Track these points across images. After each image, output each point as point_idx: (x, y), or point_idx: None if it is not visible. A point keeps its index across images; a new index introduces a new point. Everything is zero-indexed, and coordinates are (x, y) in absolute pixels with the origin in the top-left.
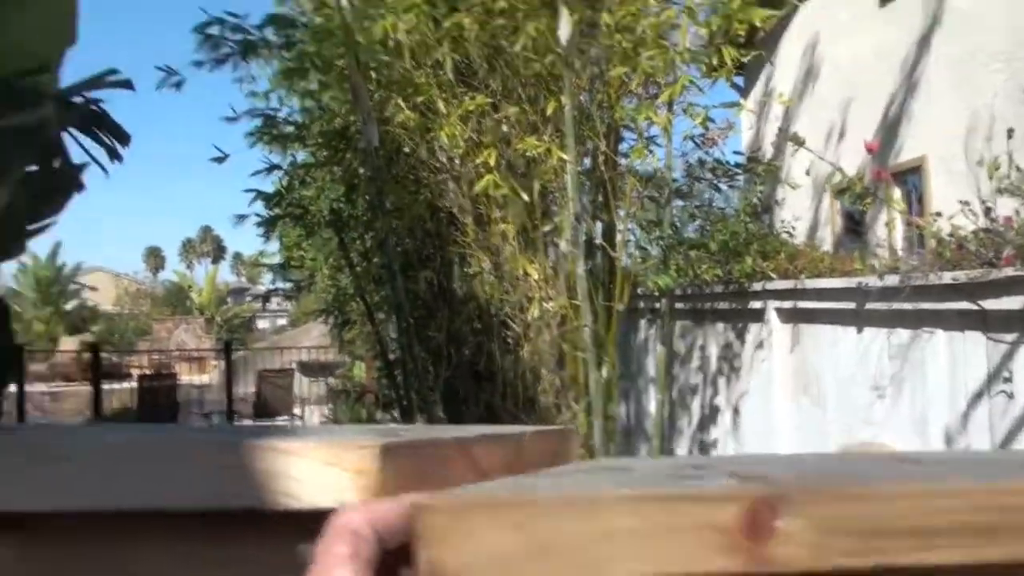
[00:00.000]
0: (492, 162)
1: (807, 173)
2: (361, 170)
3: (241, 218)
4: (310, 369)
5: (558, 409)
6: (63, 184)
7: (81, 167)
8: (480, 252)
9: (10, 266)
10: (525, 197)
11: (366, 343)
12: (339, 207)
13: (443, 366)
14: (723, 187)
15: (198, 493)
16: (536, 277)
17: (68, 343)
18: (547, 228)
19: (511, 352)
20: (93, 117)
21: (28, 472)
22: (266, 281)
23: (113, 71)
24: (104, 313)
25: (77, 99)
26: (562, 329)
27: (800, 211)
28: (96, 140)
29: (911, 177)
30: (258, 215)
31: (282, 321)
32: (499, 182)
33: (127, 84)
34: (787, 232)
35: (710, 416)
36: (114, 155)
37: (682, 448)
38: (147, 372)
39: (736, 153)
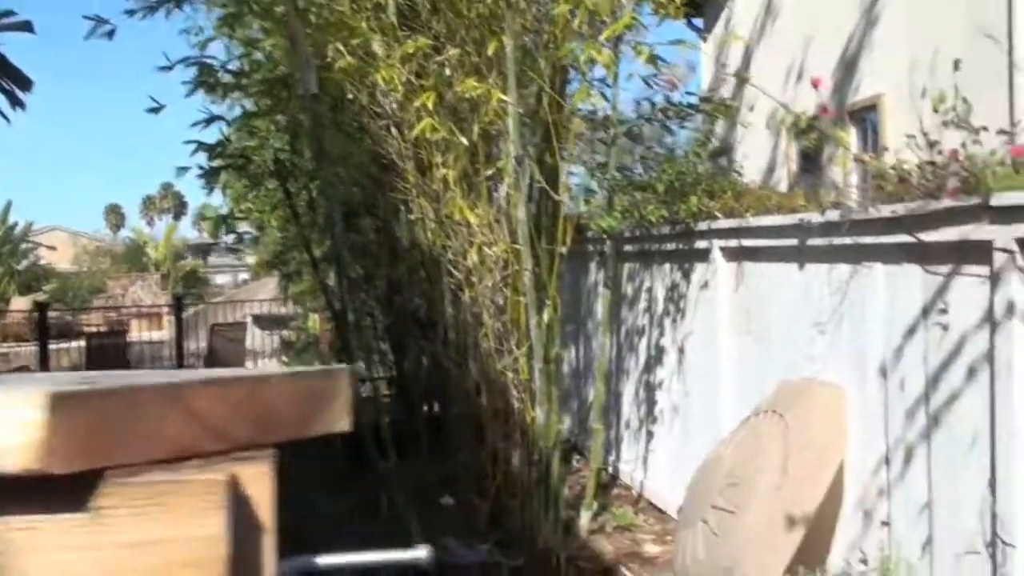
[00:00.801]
0: (430, 105)
1: (751, 109)
2: (302, 118)
3: (183, 170)
4: (265, 322)
5: (500, 354)
6: None
7: None
8: (422, 199)
9: None
10: (464, 140)
11: (314, 294)
12: (283, 157)
13: (386, 315)
14: (675, 128)
15: None
16: (475, 222)
17: (20, 303)
18: (489, 172)
19: (454, 299)
20: None
21: None
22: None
23: (8, 12)
24: (59, 272)
25: None
26: (504, 274)
27: (758, 155)
28: None
29: (869, 115)
30: (200, 167)
31: (244, 275)
32: (437, 125)
33: (26, 26)
34: (736, 172)
35: (656, 357)
36: (15, 102)
37: (629, 389)
38: (96, 330)
39: (689, 94)
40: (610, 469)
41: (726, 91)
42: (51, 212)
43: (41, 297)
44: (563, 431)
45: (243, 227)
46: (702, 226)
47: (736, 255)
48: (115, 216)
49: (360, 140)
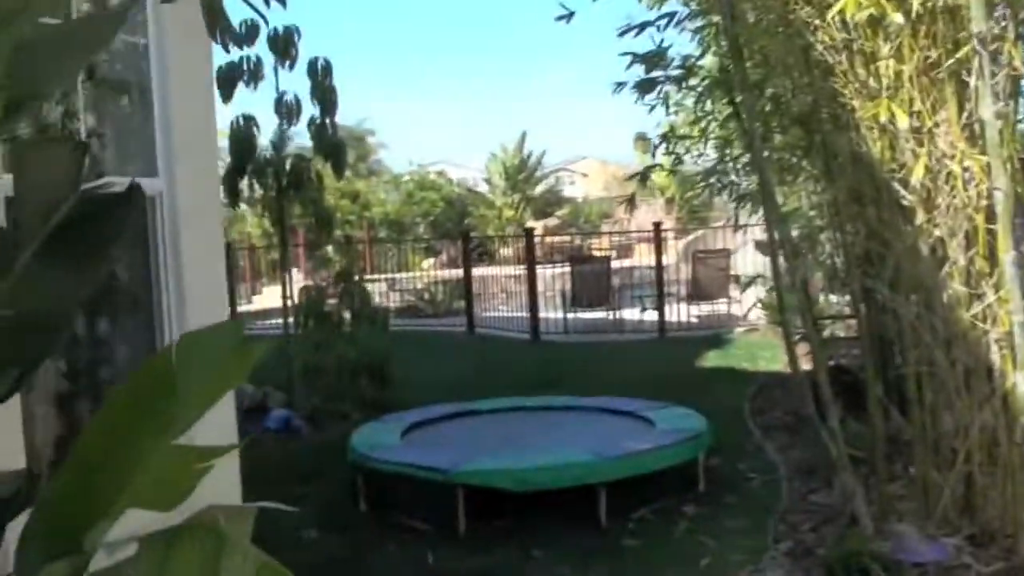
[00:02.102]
0: None
1: None
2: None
3: (620, 85)
4: (765, 247)
5: (971, 299)
6: None
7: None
8: (860, 100)
9: (483, 156)
10: (898, 19)
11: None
12: (727, 65)
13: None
14: None
15: None
16: (905, 126)
17: (535, 227)
18: (949, 60)
19: (905, 227)
20: None
21: None
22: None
23: None
24: (569, 198)
25: None
26: (969, 195)
27: None
28: None
29: None
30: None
31: None
32: (862, 0)
33: None
34: None
35: None
36: None
37: None
38: (577, 255)
39: None
40: None
41: None
42: (586, 144)
43: (553, 222)
44: None
45: (693, 147)
46: None
47: None
48: (643, 144)
49: (784, 33)
